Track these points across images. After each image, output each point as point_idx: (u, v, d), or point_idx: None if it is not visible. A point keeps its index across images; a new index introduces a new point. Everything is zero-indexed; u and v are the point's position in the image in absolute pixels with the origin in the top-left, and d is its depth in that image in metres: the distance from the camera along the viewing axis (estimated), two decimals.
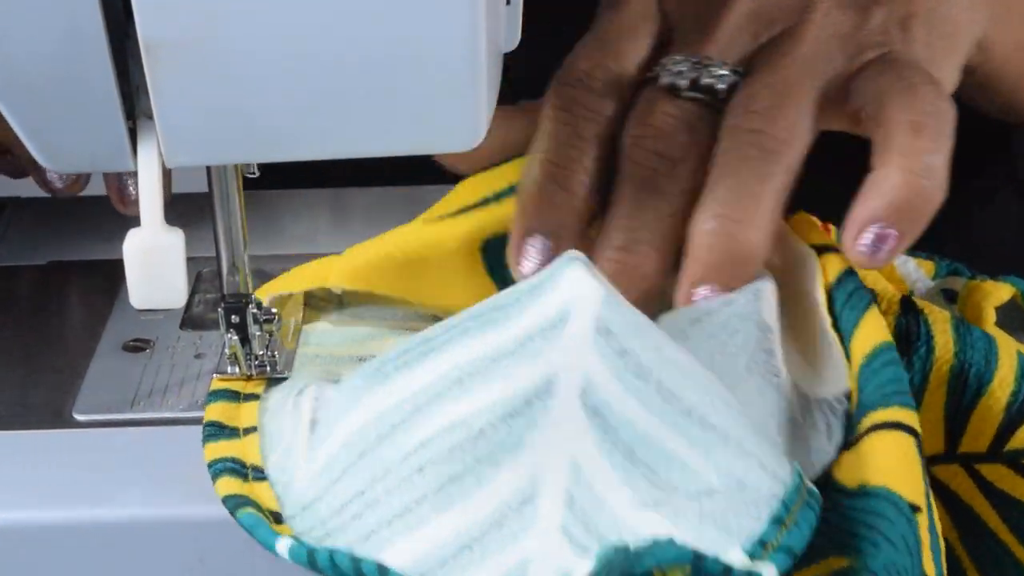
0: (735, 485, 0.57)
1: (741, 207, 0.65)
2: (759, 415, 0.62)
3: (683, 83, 0.69)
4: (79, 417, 0.67)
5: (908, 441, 0.61)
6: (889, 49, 0.70)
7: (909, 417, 0.61)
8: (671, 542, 0.56)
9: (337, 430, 0.61)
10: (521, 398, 0.58)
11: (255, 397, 0.66)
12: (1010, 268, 0.73)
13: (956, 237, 0.78)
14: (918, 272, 0.74)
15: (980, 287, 0.71)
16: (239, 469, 0.63)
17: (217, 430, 0.65)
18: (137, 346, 0.71)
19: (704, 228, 0.65)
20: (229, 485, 0.62)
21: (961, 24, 0.73)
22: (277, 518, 0.61)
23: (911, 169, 0.65)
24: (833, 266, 0.66)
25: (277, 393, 0.66)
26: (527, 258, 0.67)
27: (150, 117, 0.58)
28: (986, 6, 0.74)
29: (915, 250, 0.71)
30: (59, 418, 0.67)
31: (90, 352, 0.71)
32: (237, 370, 0.67)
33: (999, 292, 0.71)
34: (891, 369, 0.63)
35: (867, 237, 0.65)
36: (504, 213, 0.69)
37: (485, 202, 0.70)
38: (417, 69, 0.57)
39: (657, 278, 0.67)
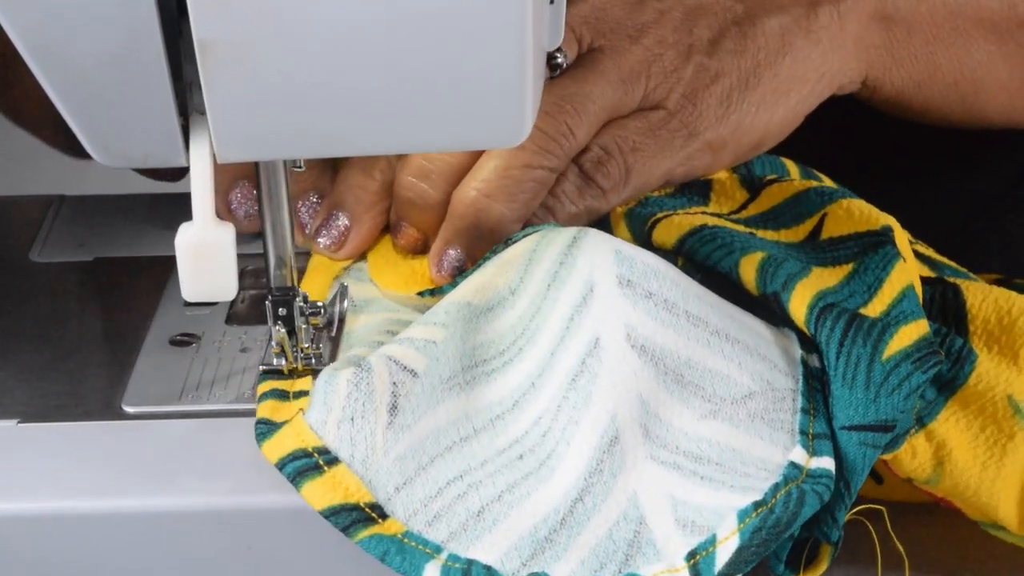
0: (767, 386, 0.66)
1: (498, 185, 0.72)
2: (751, 321, 0.68)
3: None
4: (128, 409, 0.68)
5: None
6: (659, 106, 0.75)
7: None
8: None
9: (422, 421, 0.65)
10: (578, 360, 0.64)
11: (304, 394, 0.67)
12: None
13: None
14: None
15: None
16: (312, 464, 0.64)
17: (267, 427, 0.66)
18: (184, 340, 0.73)
19: (461, 198, 0.73)
20: (319, 493, 0.63)
21: (810, 74, 0.76)
22: (376, 509, 0.63)
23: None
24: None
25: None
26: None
27: (202, 113, 0.59)
28: (863, 55, 0.78)
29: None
30: (109, 410, 0.68)
31: (138, 346, 0.72)
32: (283, 362, 0.69)
33: None
34: None
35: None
36: None
37: None
38: (466, 67, 0.58)
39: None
